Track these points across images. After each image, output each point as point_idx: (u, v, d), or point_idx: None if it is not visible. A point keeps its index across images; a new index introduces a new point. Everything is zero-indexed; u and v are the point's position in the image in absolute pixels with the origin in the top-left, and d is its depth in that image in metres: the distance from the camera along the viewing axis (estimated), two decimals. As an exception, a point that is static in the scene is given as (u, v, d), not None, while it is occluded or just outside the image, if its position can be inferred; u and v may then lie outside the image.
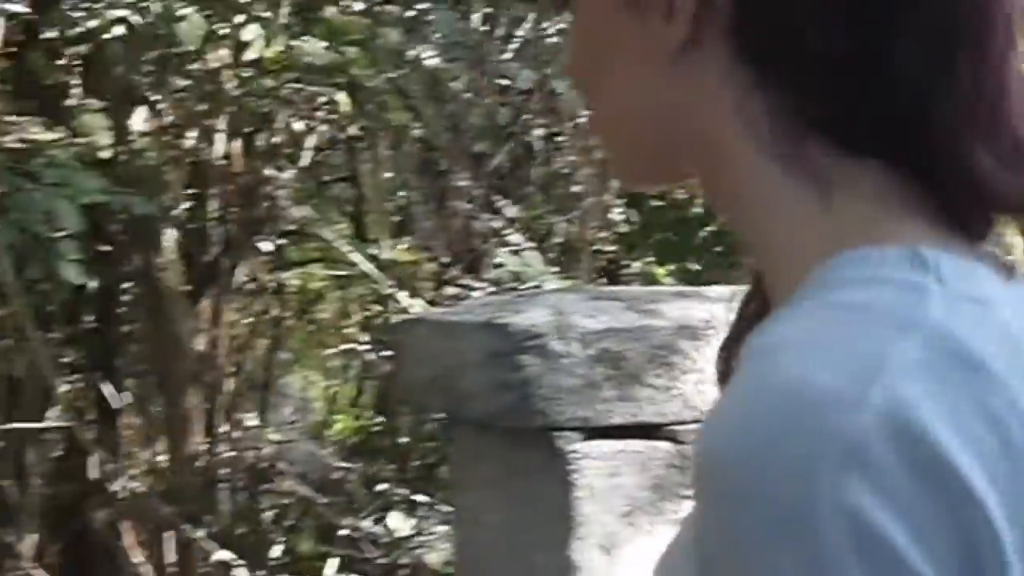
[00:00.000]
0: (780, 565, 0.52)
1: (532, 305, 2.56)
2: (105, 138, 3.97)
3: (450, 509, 4.59)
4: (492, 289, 4.24)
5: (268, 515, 5.74)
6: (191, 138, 4.60)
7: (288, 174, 4.90)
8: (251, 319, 5.65)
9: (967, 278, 0.60)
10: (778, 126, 0.62)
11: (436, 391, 2.63)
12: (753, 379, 0.57)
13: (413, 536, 4.63)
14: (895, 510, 0.51)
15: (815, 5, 0.61)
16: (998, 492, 0.54)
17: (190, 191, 4.79)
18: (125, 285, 5.25)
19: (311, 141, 4.98)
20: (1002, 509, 0.54)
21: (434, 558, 4.62)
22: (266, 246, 5.05)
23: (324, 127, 4.99)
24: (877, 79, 0.61)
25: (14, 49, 4.21)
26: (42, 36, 4.24)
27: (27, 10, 3.91)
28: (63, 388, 4.78)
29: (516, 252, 4.34)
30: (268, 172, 4.76)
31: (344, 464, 5.71)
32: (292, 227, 5.17)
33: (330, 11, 4.23)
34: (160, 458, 5.30)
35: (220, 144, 4.58)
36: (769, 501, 0.52)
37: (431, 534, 4.66)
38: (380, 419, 6.04)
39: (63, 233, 3.34)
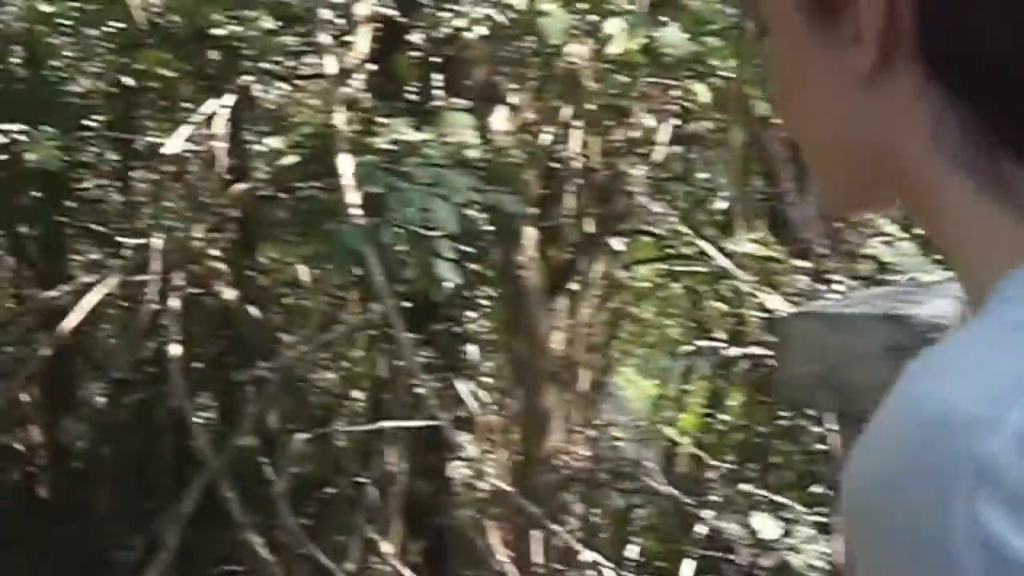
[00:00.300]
0: None
1: (931, 295, 2.44)
2: (471, 137, 4.03)
3: (820, 510, 4.42)
4: (859, 282, 4.06)
5: (623, 514, 5.74)
6: (548, 135, 4.63)
7: (641, 170, 4.85)
8: (604, 317, 5.66)
9: None
10: (971, 143, 0.62)
11: (822, 387, 2.50)
12: (896, 402, 0.57)
13: (779, 538, 4.48)
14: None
15: (996, 18, 0.60)
16: None
17: (546, 189, 4.82)
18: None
19: (664, 135, 4.92)
20: None
21: (799, 561, 4.45)
22: (618, 243, 5.04)
23: (676, 120, 4.92)
24: None
25: (378, 51, 4.38)
26: (406, 38, 4.37)
27: (396, 12, 4.06)
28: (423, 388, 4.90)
29: (889, 243, 4.13)
30: (624, 168, 4.73)
31: (707, 463, 5.62)
32: (648, 224, 5.13)
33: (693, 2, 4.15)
34: (517, 457, 5.36)
35: (576, 140, 4.59)
36: (907, 527, 0.53)
37: (797, 536, 4.49)
38: (728, 417, 5.95)
39: (439, 233, 3.40)
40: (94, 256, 8.64)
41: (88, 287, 5.33)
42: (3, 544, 8.05)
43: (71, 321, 5.27)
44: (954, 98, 0.62)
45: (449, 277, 3.49)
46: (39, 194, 7.51)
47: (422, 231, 3.42)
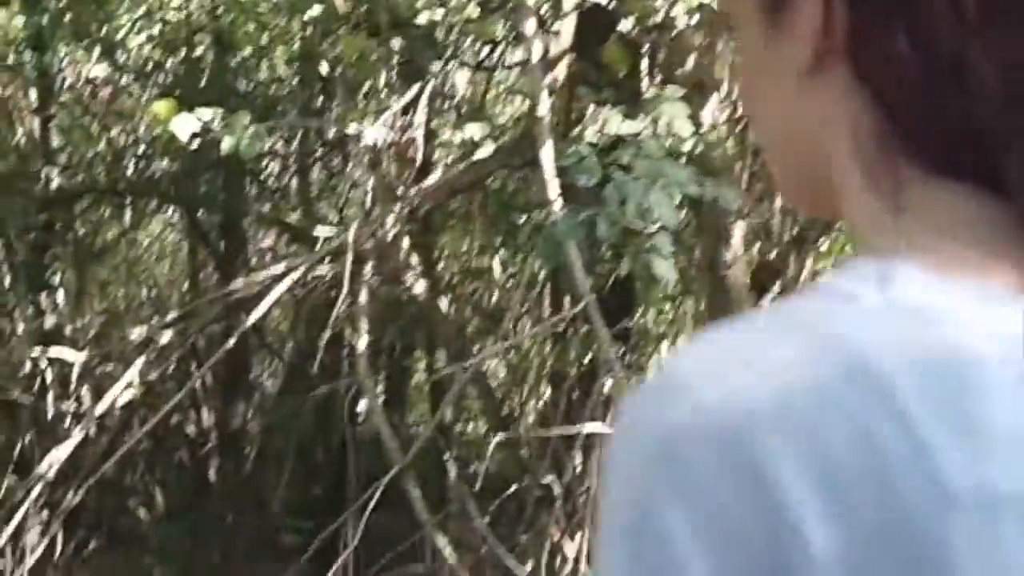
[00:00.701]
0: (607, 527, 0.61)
1: None
2: (685, 128, 3.85)
3: None
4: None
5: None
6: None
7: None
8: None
9: (938, 296, 0.60)
10: (878, 148, 0.65)
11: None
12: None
13: None
14: (687, 507, 0.56)
15: (908, 24, 0.63)
16: (835, 504, 0.55)
17: (756, 183, 4.63)
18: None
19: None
20: (828, 524, 0.55)
21: None
22: (827, 243, 4.82)
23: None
24: (961, 98, 0.63)
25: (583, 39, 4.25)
26: (616, 27, 4.22)
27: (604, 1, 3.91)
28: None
29: None
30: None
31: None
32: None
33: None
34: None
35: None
36: (612, 476, 0.61)
37: None
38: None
39: (655, 227, 3.24)
40: (270, 243, 8.79)
41: (277, 278, 5.33)
42: (172, 522, 8.24)
43: (258, 311, 5.30)
44: (869, 101, 0.65)
45: (666, 273, 3.31)
46: (222, 180, 7.63)
47: (639, 226, 3.25)
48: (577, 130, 3.95)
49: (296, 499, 8.73)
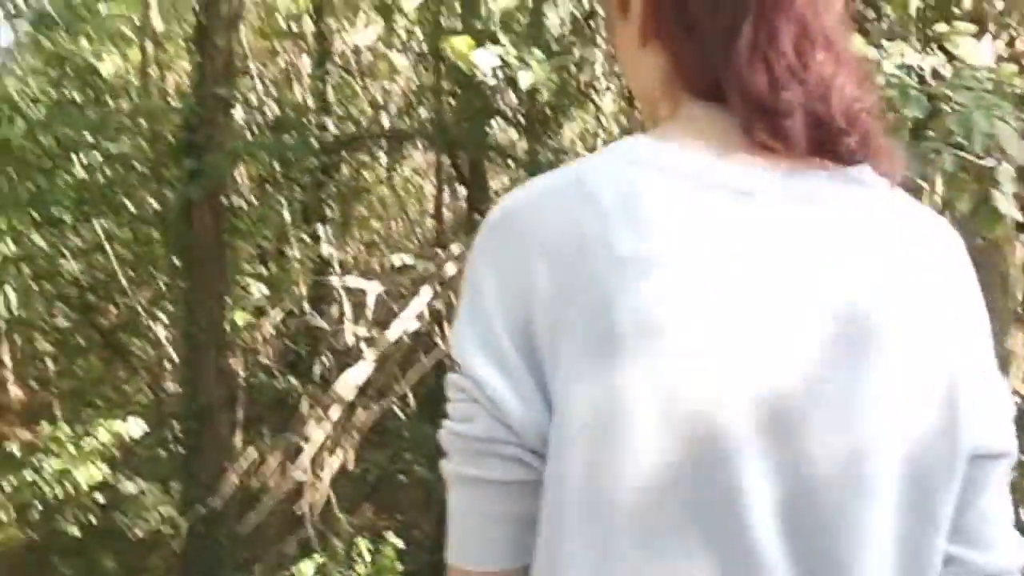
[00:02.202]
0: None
1: None
2: (980, 63, 3.69)
3: None
4: None
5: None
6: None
7: None
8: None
9: (659, 156, 1.07)
10: (670, 84, 1.15)
11: None
12: None
13: None
14: (490, 270, 1.07)
15: (680, 16, 1.12)
16: (554, 263, 1.03)
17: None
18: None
19: None
20: (549, 274, 1.03)
21: None
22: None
23: None
24: (699, 52, 1.10)
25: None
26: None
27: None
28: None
29: None
30: None
31: None
32: None
33: None
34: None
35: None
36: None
37: None
38: None
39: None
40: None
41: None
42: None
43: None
44: (668, 59, 1.14)
45: (1008, 211, 3.16)
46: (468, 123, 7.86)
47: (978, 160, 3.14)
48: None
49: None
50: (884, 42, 4.00)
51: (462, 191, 9.06)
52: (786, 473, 1.02)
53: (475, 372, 1.05)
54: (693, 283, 1.01)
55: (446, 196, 9.36)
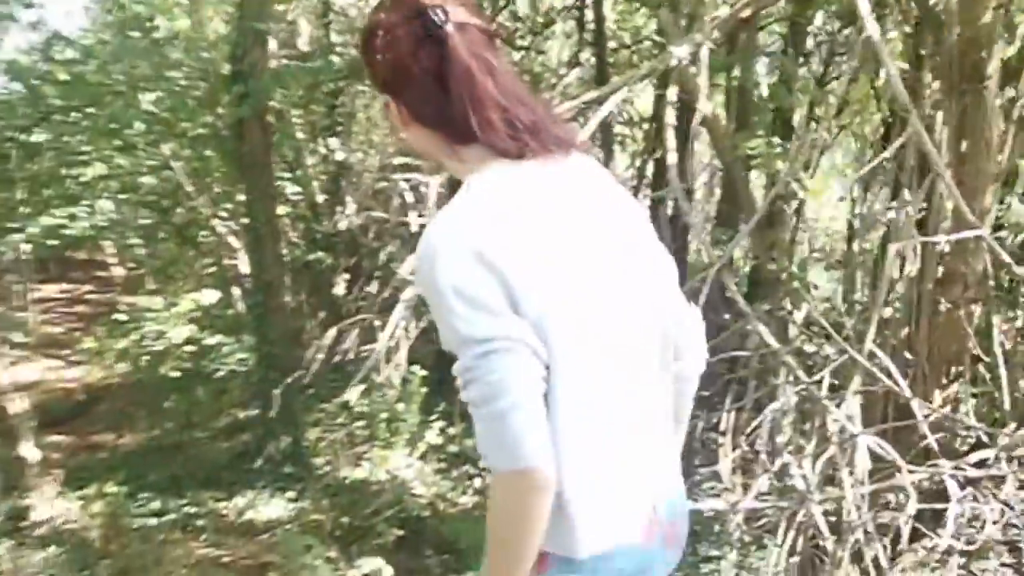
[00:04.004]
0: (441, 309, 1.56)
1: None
2: None
3: None
4: None
5: None
6: None
7: None
8: None
9: (493, 177, 1.62)
10: (445, 144, 1.68)
11: None
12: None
13: None
14: (462, 279, 1.53)
15: (422, 104, 1.67)
16: (514, 264, 1.54)
17: None
18: None
19: None
20: (516, 273, 1.54)
21: None
22: None
23: None
24: (453, 121, 1.65)
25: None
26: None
27: None
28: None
29: None
30: None
31: None
32: None
33: None
34: None
35: None
36: (426, 283, 1.58)
37: None
38: None
39: None
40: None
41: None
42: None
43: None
44: (431, 131, 1.69)
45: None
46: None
47: None
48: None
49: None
50: None
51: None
52: (619, 340, 1.67)
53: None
54: (558, 243, 1.59)
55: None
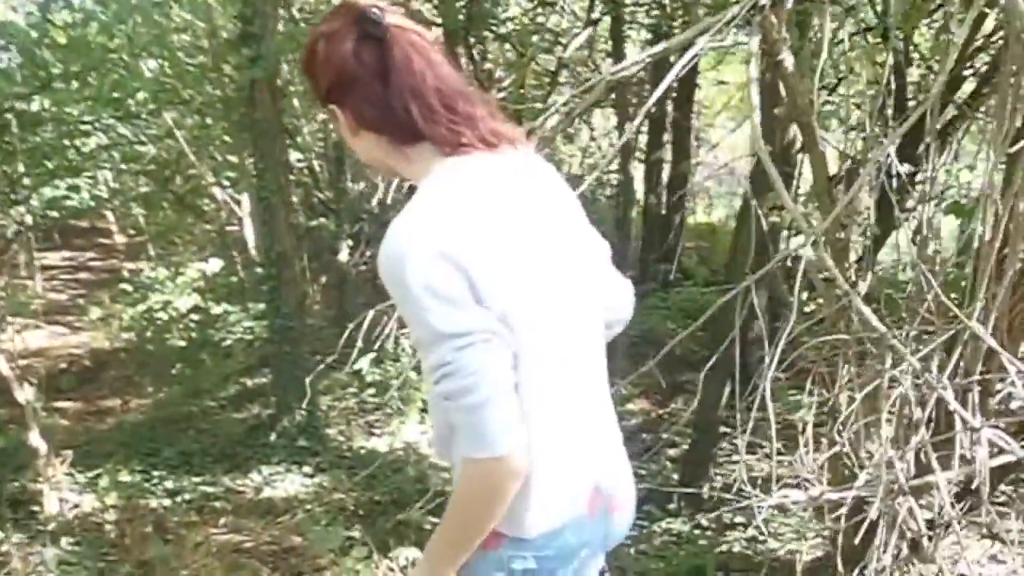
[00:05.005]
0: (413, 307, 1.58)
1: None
2: None
3: None
4: None
5: None
6: None
7: None
8: None
9: (446, 175, 1.67)
10: (391, 147, 1.73)
11: None
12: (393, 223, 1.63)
13: None
14: (434, 279, 1.56)
15: (367, 106, 1.71)
16: (477, 260, 1.58)
17: None
18: None
19: None
20: (479, 269, 1.58)
21: None
22: None
23: None
24: (396, 118, 1.70)
25: None
26: None
27: None
28: None
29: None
30: None
31: None
32: None
33: None
34: None
35: None
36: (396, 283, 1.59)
37: None
38: None
39: None
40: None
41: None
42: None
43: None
44: (381, 136, 1.73)
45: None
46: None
47: None
48: None
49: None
50: None
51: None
52: (569, 315, 1.77)
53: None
54: (514, 229, 1.66)
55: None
